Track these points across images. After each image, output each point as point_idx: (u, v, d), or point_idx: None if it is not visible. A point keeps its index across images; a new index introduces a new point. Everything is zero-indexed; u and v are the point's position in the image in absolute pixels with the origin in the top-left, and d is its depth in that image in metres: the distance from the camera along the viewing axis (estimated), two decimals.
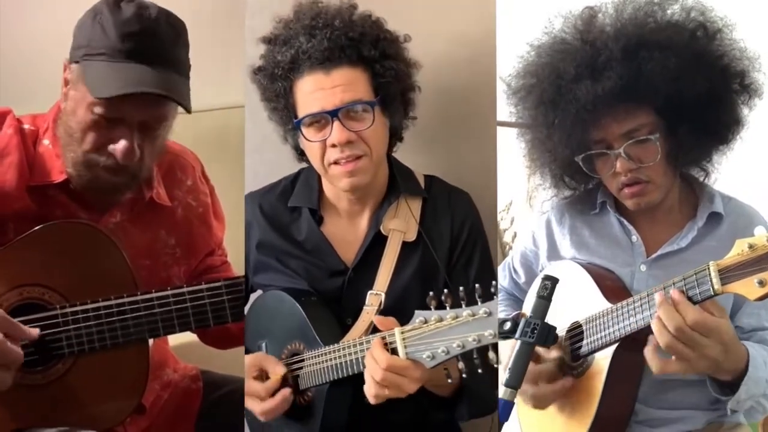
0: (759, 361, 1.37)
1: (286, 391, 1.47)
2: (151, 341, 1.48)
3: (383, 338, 1.36)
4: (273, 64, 1.51)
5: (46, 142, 1.49)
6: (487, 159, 1.67)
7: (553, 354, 1.49)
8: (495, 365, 1.33)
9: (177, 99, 1.43)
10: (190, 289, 1.46)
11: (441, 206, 1.59)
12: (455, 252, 1.57)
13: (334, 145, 1.47)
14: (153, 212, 1.55)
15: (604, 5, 1.51)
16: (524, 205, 1.82)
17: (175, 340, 1.63)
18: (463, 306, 1.32)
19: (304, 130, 1.50)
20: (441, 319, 1.32)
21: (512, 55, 1.59)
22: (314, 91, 1.48)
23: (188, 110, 1.45)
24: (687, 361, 1.31)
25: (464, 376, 1.33)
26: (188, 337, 1.57)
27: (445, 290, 1.33)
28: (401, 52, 1.54)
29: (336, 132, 1.46)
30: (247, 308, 1.61)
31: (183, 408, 1.60)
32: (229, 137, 1.72)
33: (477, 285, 1.31)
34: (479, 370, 1.32)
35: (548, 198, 1.65)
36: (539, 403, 1.50)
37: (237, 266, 1.64)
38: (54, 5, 1.66)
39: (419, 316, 1.34)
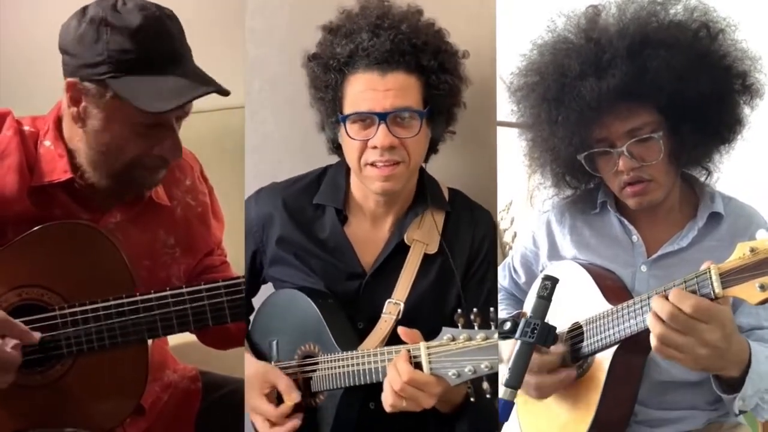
0: (761, 356, 1.37)
1: (297, 422, 1.46)
2: (150, 342, 1.47)
3: (408, 351, 1.36)
4: (330, 55, 1.50)
5: (47, 143, 1.48)
6: (487, 159, 1.66)
7: (557, 349, 1.48)
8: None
9: (220, 89, 1.43)
10: (190, 289, 1.45)
11: (464, 222, 1.58)
12: (472, 268, 1.56)
13: (375, 147, 1.46)
14: (152, 212, 1.55)
15: (608, 4, 1.50)
16: (524, 204, 1.82)
17: (173, 340, 1.62)
18: (493, 328, 1.32)
19: (348, 125, 1.48)
20: (470, 339, 1.33)
21: (513, 55, 1.58)
22: (366, 90, 1.46)
23: (227, 93, 1.45)
24: (684, 348, 1.28)
25: (488, 396, 1.34)
26: (187, 337, 1.57)
27: (474, 309, 1.34)
28: (458, 67, 1.53)
29: (380, 135, 1.45)
30: (257, 302, 1.61)
31: (182, 409, 1.59)
32: (229, 138, 1.72)
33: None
34: None
35: (549, 197, 1.65)
36: (541, 392, 1.49)
37: (236, 266, 1.64)
38: (54, 5, 1.65)
39: (447, 333, 1.34)
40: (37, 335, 1.40)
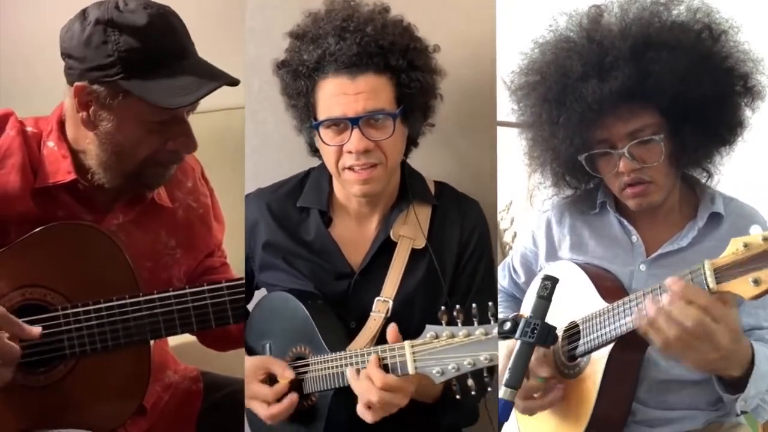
0: (762, 357, 1.37)
1: (294, 396, 1.47)
2: (152, 342, 1.47)
3: (378, 355, 1.35)
4: (298, 62, 1.49)
5: (51, 144, 1.48)
6: (487, 159, 1.67)
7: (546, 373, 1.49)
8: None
9: (230, 80, 1.44)
10: (192, 290, 1.46)
11: (451, 214, 1.57)
12: (462, 261, 1.56)
13: (350, 152, 1.46)
14: (154, 213, 1.55)
15: (610, 4, 1.50)
16: (524, 204, 1.82)
17: (174, 340, 1.62)
18: (476, 324, 1.31)
19: (322, 131, 1.48)
20: (453, 336, 1.31)
21: (513, 55, 1.58)
22: (337, 95, 1.46)
23: (237, 82, 1.46)
24: (698, 351, 1.28)
25: (473, 393, 1.32)
26: (188, 337, 1.57)
27: (457, 306, 1.32)
28: (429, 62, 1.52)
29: (354, 139, 1.45)
30: (251, 307, 1.61)
31: (183, 409, 1.60)
32: (230, 138, 1.72)
33: (490, 303, 1.31)
34: (488, 389, 1.32)
35: (549, 197, 1.65)
36: (529, 412, 1.51)
37: (236, 268, 1.64)
38: (53, 6, 1.65)
39: (430, 330, 1.33)
40: (37, 330, 1.40)
